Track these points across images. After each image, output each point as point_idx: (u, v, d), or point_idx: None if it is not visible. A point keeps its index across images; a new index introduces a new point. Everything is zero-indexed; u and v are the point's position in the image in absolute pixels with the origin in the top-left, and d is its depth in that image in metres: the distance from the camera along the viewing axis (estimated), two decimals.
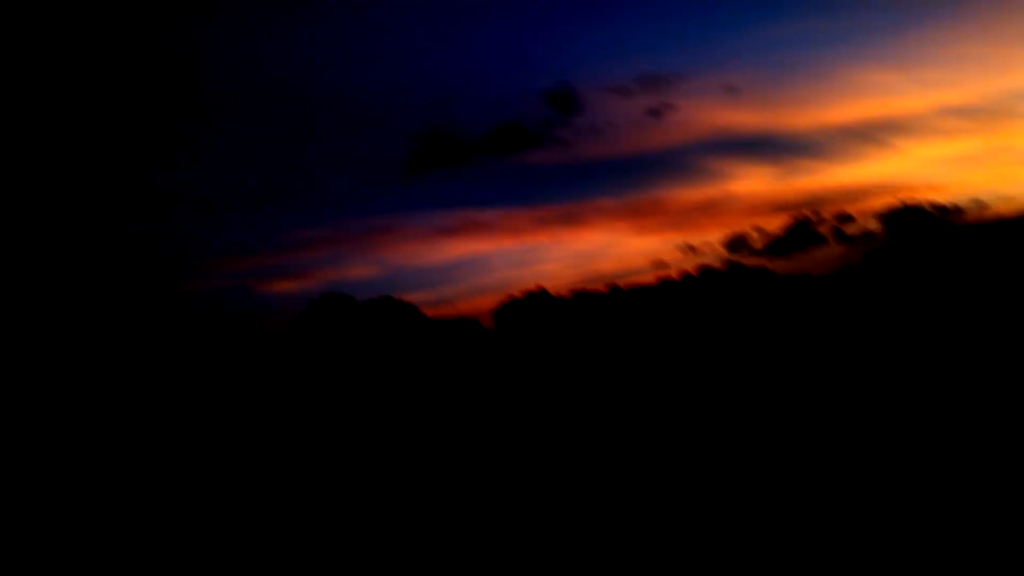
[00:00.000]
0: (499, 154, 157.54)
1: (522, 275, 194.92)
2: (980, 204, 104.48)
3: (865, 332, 46.99)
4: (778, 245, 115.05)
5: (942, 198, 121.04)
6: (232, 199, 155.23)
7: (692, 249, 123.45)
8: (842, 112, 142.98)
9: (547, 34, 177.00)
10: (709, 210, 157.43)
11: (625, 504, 15.84)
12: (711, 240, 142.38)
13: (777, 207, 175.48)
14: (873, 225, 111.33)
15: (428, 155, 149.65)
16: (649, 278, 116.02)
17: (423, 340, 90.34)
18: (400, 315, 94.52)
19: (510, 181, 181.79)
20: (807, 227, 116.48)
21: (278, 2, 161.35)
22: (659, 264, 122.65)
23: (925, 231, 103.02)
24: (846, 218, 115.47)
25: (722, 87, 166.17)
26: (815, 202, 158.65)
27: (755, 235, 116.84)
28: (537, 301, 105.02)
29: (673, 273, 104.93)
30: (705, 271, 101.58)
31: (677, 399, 30.71)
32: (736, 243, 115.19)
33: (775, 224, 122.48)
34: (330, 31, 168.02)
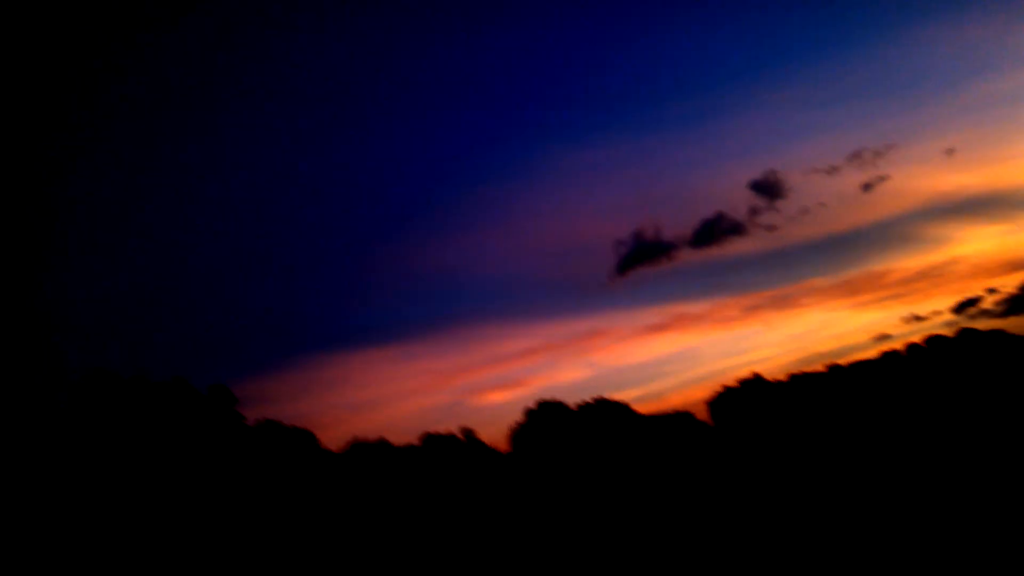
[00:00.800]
0: (704, 246, 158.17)
1: (735, 363, 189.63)
2: None
3: None
4: (1017, 304, 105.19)
5: None
6: (442, 319, 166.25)
7: (918, 319, 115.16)
8: None
9: (751, 124, 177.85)
10: (933, 277, 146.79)
11: None
12: (938, 308, 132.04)
13: (1010, 266, 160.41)
14: None
15: (634, 256, 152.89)
16: (872, 353, 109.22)
17: (637, 439, 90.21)
18: (613, 415, 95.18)
19: (717, 272, 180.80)
20: None
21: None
22: (882, 338, 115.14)
23: None
24: None
25: (938, 151, 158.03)
26: None
27: (988, 297, 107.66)
28: (753, 388, 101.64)
29: (898, 345, 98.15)
30: (933, 340, 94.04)
31: (917, 479, 29.37)
32: (967, 308, 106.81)
33: (1011, 283, 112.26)
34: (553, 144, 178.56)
